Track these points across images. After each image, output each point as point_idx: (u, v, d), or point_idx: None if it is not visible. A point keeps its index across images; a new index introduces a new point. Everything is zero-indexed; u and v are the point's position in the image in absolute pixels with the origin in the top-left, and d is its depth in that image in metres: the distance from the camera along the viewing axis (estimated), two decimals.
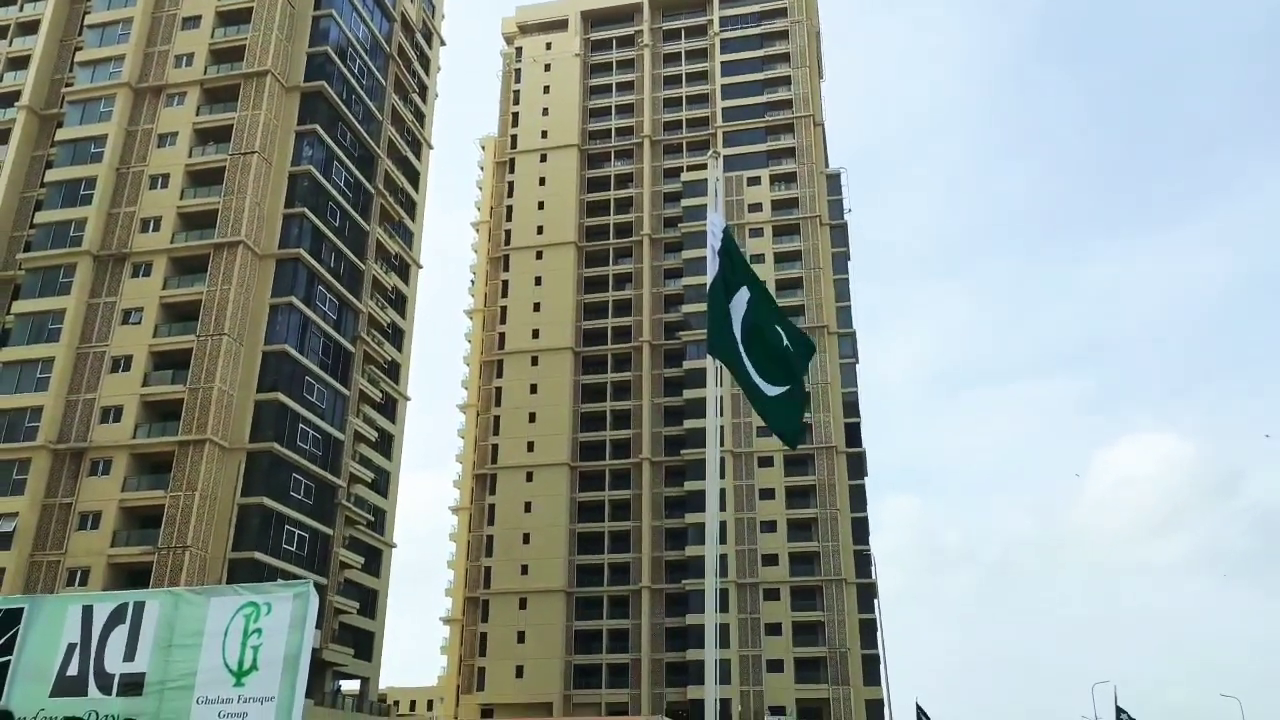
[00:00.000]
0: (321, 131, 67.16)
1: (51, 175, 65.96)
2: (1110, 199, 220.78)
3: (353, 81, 72.06)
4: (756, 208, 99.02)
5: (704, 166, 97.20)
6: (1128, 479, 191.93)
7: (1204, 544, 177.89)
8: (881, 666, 76.33)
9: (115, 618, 9.89)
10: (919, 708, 50.23)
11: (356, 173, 71.61)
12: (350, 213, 70.31)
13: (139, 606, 9.96)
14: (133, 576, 54.96)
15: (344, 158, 69.87)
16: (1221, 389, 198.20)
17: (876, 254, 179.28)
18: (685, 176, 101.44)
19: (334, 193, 68.25)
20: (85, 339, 61.22)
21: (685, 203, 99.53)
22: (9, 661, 9.95)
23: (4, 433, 59.06)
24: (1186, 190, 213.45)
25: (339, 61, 70.20)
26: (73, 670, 9.77)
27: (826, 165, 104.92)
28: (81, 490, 57.76)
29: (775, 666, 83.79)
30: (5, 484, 57.68)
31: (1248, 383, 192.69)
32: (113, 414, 59.23)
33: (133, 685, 9.51)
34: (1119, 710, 48.51)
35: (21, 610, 10.30)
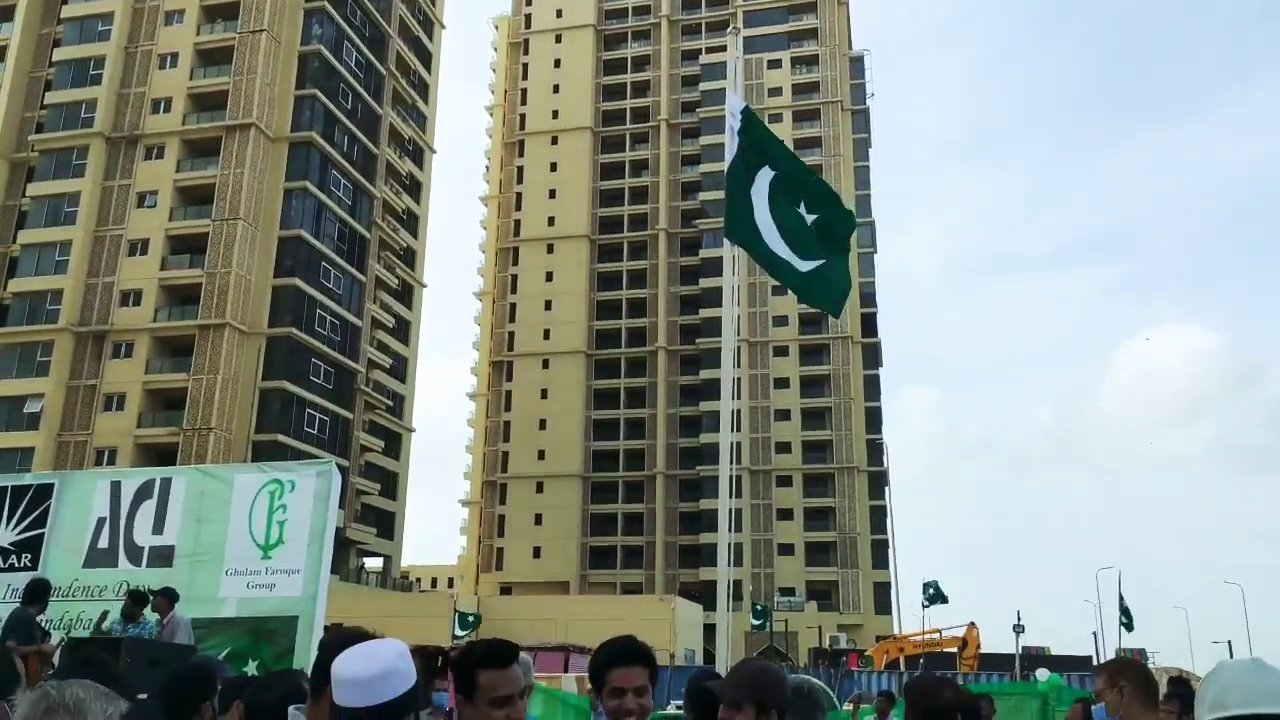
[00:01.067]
0: (330, 8, 65.43)
1: (59, 54, 64.85)
2: (1139, 85, 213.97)
3: None
4: (776, 92, 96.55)
5: (723, 49, 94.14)
6: (1151, 370, 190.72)
7: (1223, 436, 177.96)
8: (890, 551, 78.25)
9: (142, 493, 10.14)
10: (926, 585, 51.64)
11: (367, 53, 70.00)
12: (362, 95, 69.04)
13: (166, 482, 10.21)
14: (160, 456, 56.19)
15: (354, 37, 68.21)
16: (1249, 280, 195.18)
17: (899, 141, 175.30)
18: (704, 59, 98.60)
19: (345, 74, 66.91)
20: (102, 222, 61.21)
21: (704, 86, 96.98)
22: (43, 534, 10.27)
23: (27, 315, 59.73)
24: (1217, 75, 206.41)
25: None
26: (103, 543, 10.07)
27: (850, 48, 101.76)
28: (105, 372, 58.70)
29: (786, 550, 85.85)
30: (30, 365, 58.66)
31: (1276, 273, 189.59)
32: (132, 297, 59.71)
33: (162, 557, 9.82)
34: (1121, 596, 49.93)
35: (52, 485, 10.57)
